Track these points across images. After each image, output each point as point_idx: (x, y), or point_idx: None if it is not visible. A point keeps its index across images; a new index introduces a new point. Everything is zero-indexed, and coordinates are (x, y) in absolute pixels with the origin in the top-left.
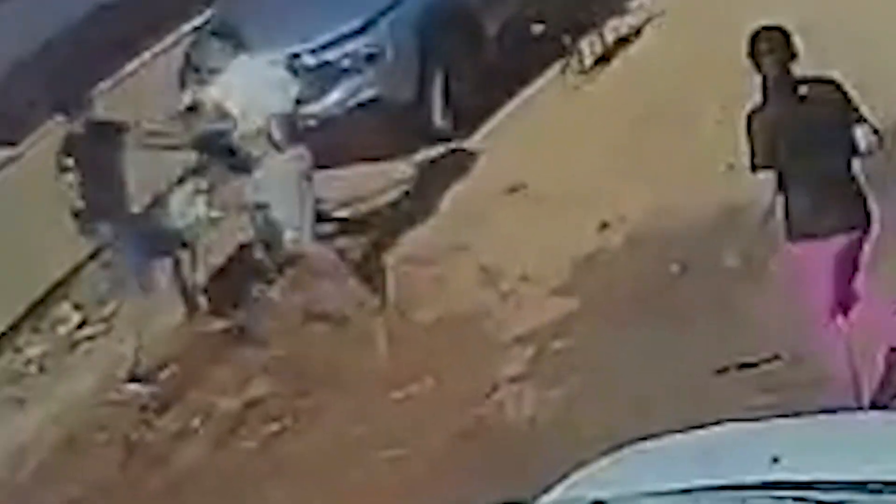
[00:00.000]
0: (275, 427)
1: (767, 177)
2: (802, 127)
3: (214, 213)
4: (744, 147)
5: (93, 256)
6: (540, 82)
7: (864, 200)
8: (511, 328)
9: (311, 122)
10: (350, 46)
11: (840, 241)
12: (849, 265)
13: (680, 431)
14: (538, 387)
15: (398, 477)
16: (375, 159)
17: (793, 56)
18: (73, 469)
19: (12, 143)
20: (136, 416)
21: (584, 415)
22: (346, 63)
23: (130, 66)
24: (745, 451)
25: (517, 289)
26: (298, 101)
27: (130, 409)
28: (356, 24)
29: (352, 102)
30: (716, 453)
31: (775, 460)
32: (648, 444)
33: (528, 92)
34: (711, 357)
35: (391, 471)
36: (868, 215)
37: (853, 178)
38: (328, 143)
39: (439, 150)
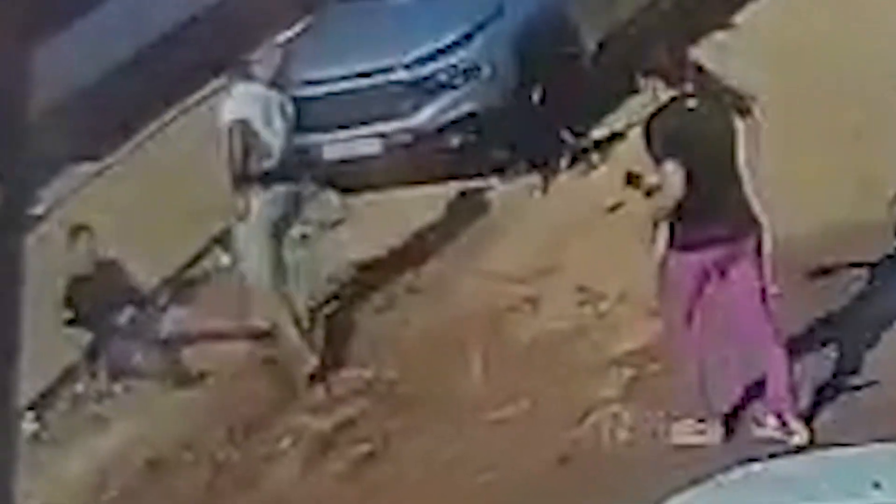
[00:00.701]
0: (365, 449)
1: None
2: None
3: (306, 230)
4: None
5: None
6: (638, 99)
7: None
8: (608, 350)
9: (405, 138)
10: (446, 61)
11: (717, 252)
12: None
13: (780, 455)
14: (635, 410)
15: (491, 500)
16: (468, 177)
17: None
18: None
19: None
20: (223, 435)
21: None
22: (442, 78)
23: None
24: (846, 475)
25: (614, 309)
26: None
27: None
28: (453, 38)
29: (447, 118)
30: (817, 478)
31: (877, 486)
32: (747, 470)
33: (626, 107)
34: (813, 379)
35: (484, 495)
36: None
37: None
38: (421, 160)
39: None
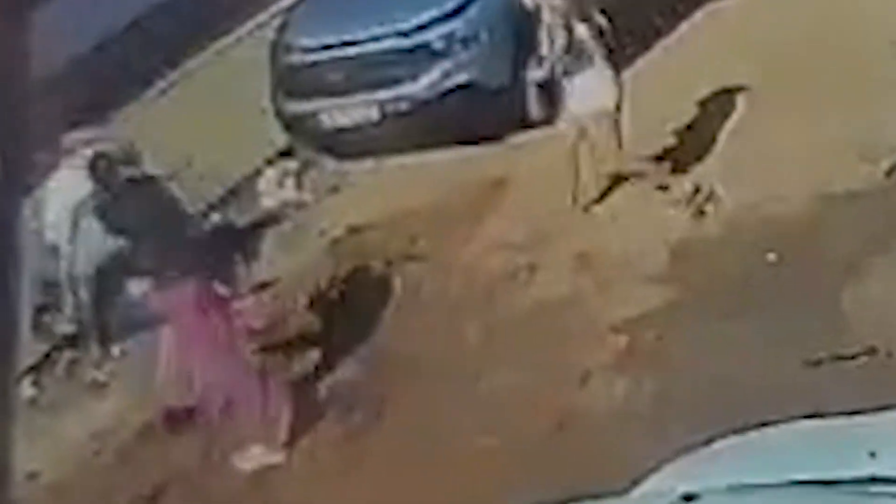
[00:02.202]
0: (361, 415)
1: None
2: None
3: (304, 197)
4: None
5: None
6: (638, 65)
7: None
8: (605, 317)
9: (403, 105)
10: (444, 29)
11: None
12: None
13: (773, 424)
14: (631, 377)
15: (488, 467)
16: (466, 144)
17: None
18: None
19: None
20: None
21: (676, 406)
22: (439, 45)
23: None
24: (840, 445)
25: (612, 276)
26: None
27: None
28: (451, 6)
29: (444, 86)
30: (810, 448)
31: (872, 455)
32: (741, 438)
33: (624, 75)
34: (807, 349)
35: (481, 461)
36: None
37: None
38: (418, 127)
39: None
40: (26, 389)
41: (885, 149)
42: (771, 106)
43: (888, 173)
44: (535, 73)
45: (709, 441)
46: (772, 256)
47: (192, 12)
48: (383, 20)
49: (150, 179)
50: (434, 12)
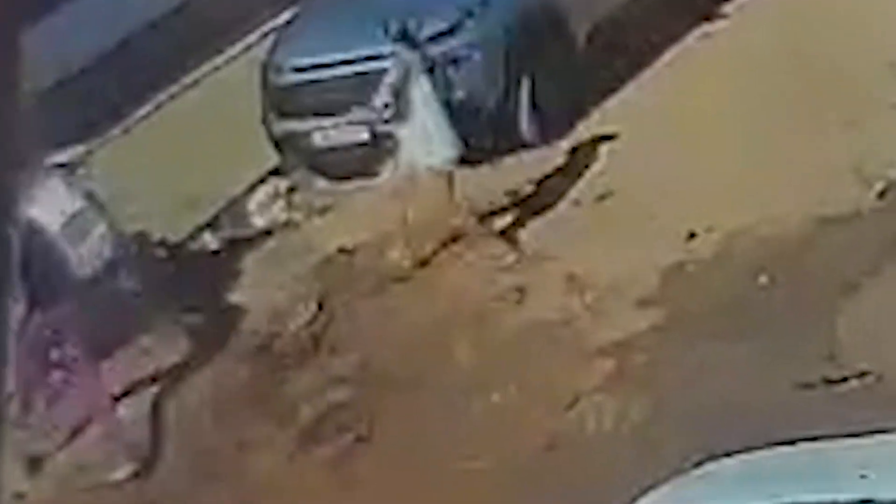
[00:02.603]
0: (352, 435)
1: None
2: None
3: (294, 216)
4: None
5: None
6: (630, 88)
7: None
8: (595, 339)
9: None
10: (437, 48)
11: None
12: None
13: (764, 447)
14: (620, 399)
15: (477, 487)
16: (458, 164)
17: None
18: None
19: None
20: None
21: (665, 429)
22: (431, 65)
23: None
24: (832, 468)
25: (602, 299)
26: None
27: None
28: (443, 26)
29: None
30: (802, 470)
31: (864, 477)
32: (732, 461)
33: (616, 98)
34: (798, 372)
35: (471, 481)
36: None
37: None
38: None
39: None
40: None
41: (878, 171)
42: (765, 128)
43: (881, 195)
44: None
45: (700, 464)
46: (763, 279)
47: (182, 33)
48: (375, 40)
49: None
50: (427, 32)
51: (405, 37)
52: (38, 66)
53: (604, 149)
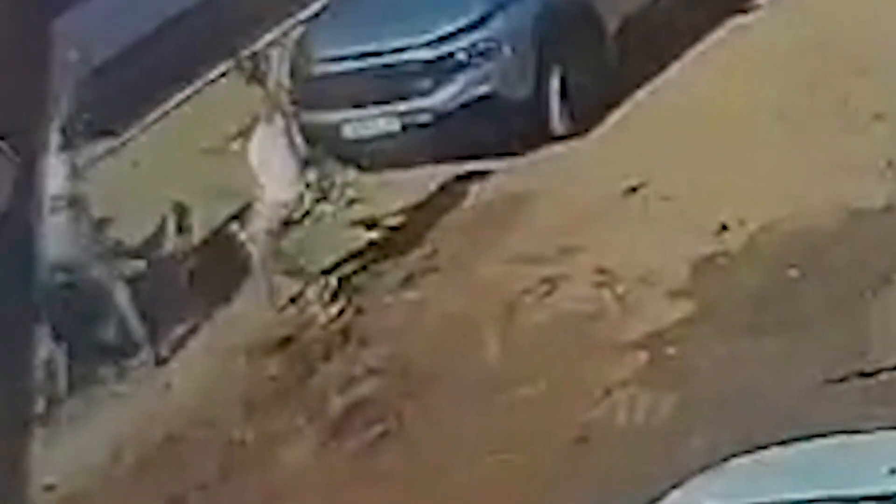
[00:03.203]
0: (380, 428)
1: None
2: None
3: (325, 208)
4: None
5: None
6: (661, 81)
7: None
8: (626, 331)
9: (424, 117)
10: (466, 40)
11: None
12: None
13: (794, 441)
14: (651, 392)
15: (507, 481)
16: (488, 157)
17: None
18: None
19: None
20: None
21: (695, 422)
22: (461, 57)
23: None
24: (859, 462)
25: (633, 291)
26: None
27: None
28: (473, 17)
29: (466, 98)
30: (830, 464)
31: (893, 471)
32: (762, 454)
33: (647, 90)
34: (828, 365)
35: (500, 475)
36: None
37: None
38: (440, 139)
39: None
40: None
41: None
42: (795, 121)
43: None
44: None
45: (730, 457)
46: (794, 272)
47: (206, 26)
48: (405, 31)
49: None
50: (457, 23)
51: None
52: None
53: (635, 141)
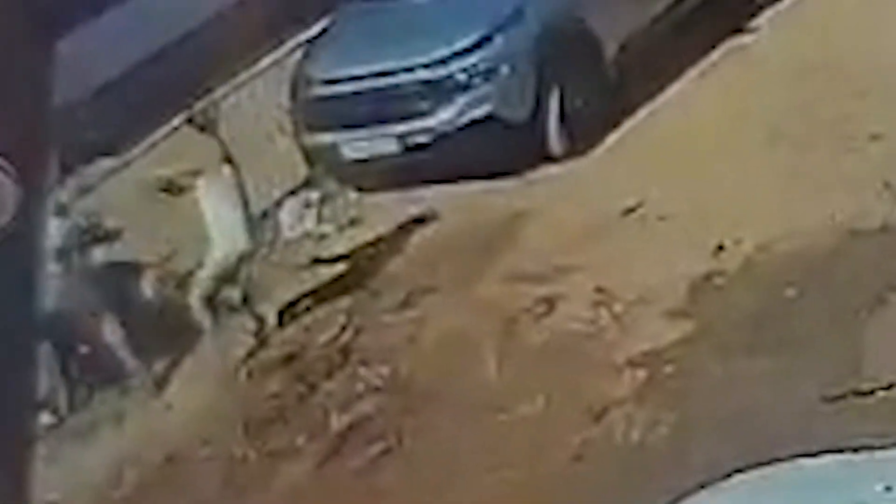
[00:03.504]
0: (380, 446)
1: None
2: None
3: (325, 229)
4: None
5: None
6: (659, 102)
7: None
8: (623, 350)
9: (424, 138)
10: (466, 62)
11: None
12: None
13: (791, 459)
14: (649, 411)
15: (506, 498)
16: (487, 178)
17: None
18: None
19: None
20: (240, 431)
21: (693, 441)
22: (461, 78)
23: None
24: (855, 480)
25: (631, 310)
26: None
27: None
28: (473, 39)
29: (465, 119)
30: (825, 482)
31: (888, 489)
32: (758, 473)
33: (645, 111)
34: (825, 384)
35: (499, 493)
36: None
37: None
38: (439, 160)
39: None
40: (47, 417)
41: None
42: (792, 142)
43: None
44: None
45: (727, 476)
46: (791, 292)
47: (210, 47)
48: (405, 53)
49: None
50: (456, 45)
51: None
52: (70, 78)
53: (633, 161)
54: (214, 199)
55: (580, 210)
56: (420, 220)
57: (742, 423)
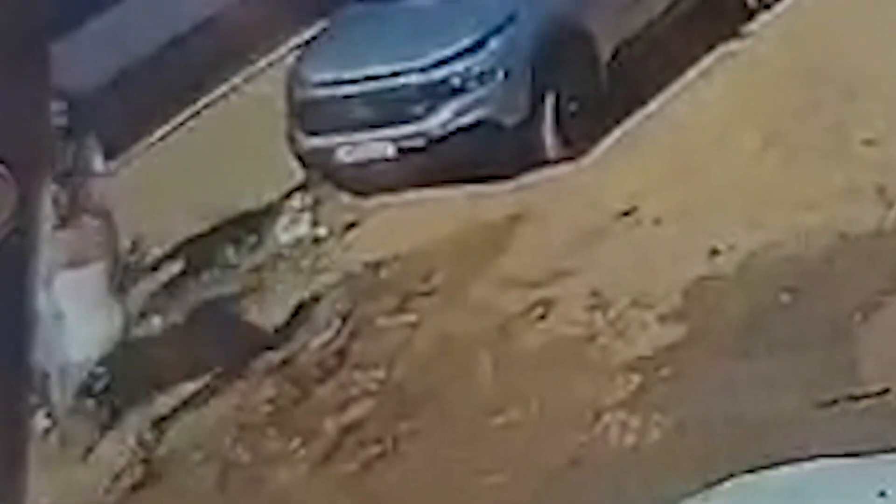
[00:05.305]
0: (375, 450)
1: None
2: None
3: (319, 232)
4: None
5: None
6: (653, 106)
7: None
8: (618, 354)
9: (418, 142)
10: (461, 65)
11: None
12: None
13: (784, 464)
14: (643, 415)
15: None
16: (481, 181)
17: None
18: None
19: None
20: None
21: (687, 445)
22: (455, 82)
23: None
24: (849, 485)
25: (626, 314)
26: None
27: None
28: (467, 42)
29: (460, 122)
30: (819, 487)
31: (882, 495)
32: (752, 477)
33: (640, 115)
34: (819, 389)
35: (493, 497)
36: None
37: None
38: (433, 164)
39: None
40: (41, 421)
41: None
42: (786, 146)
43: None
44: None
45: (721, 480)
46: (785, 296)
47: (205, 49)
48: (399, 56)
49: None
50: (451, 49)
51: None
52: (70, 74)
53: (627, 165)
54: (74, 297)
55: (575, 214)
56: (416, 224)
57: (736, 428)
